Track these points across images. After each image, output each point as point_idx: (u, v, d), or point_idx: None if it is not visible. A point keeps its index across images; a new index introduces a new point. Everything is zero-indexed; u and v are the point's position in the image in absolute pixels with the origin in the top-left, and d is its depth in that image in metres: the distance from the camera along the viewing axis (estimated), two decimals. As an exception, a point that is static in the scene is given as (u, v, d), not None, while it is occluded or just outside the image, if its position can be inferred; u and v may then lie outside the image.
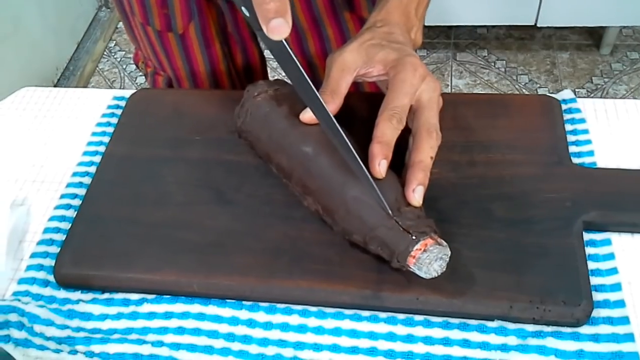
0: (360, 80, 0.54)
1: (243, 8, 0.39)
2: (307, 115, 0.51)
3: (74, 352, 0.47)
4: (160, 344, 0.48)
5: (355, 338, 0.47)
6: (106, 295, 0.51)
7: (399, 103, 0.49)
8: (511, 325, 0.46)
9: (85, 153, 0.62)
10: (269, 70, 0.92)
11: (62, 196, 0.59)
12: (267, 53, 0.86)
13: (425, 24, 1.87)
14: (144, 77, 0.86)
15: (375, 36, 0.53)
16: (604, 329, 0.45)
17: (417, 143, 0.48)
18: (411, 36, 0.56)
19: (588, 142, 0.57)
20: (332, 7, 0.73)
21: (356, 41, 0.53)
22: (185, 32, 0.75)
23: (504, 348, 0.45)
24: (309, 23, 0.74)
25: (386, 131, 0.48)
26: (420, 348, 0.46)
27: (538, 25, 1.78)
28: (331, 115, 0.45)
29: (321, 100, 0.45)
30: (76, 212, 0.56)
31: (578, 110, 0.60)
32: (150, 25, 0.75)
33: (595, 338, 0.45)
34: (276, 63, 0.44)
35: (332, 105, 0.50)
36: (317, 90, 0.46)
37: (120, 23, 2.17)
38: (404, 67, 0.50)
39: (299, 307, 0.49)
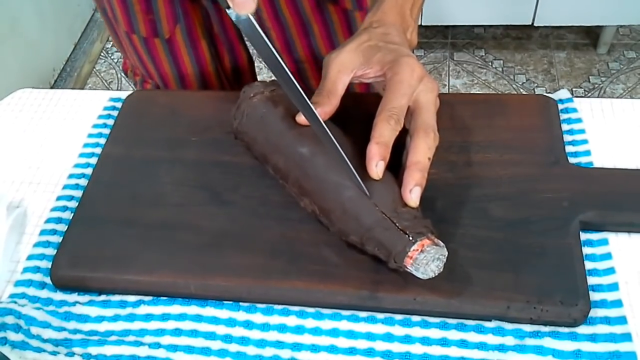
0: (357, 82, 0.54)
1: None
2: (304, 117, 0.51)
3: (70, 354, 0.47)
4: (158, 345, 0.48)
5: (353, 339, 0.47)
6: (103, 297, 0.51)
7: (397, 104, 0.49)
8: (509, 326, 0.46)
9: (82, 155, 0.62)
10: (257, 70, 0.92)
11: (59, 198, 0.59)
12: (255, 53, 0.87)
13: (423, 24, 1.86)
14: (133, 85, 0.86)
15: (372, 37, 0.53)
16: (602, 329, 0.45)
17: (414, 143, 0.48)
18: (407, 36, 0.56)
19: (585, 141, 0.57)
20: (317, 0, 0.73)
21: (353, 42, 0.53)
22: (171, 36, 0.75)
23: (502, 348, 0.45)
24: (293, 18, 0.74)
25: (384, 132, 0.48)
26: (417, 349, 0.46)
27: (535, 24, 1.79)
28: (312, 106, 0.46)
29: (303, 94, 0.46)
30: (72, 214, 0.56)
31: (574, 110, 0.60)
32: (135, 33, 0.74)
33: (593, 338, 0.45)
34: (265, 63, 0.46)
35: (329, 106, 0.50)
36: (308, 89, 0.47)
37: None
38: (402, 68, 0.50)
39: (296, 308, 0.49)
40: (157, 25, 0.73)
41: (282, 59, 0.44)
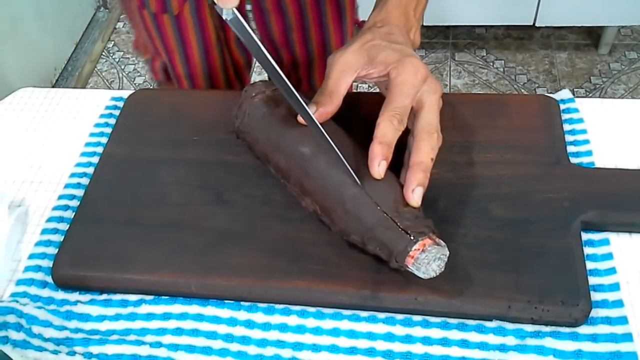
0: (360, 82, 0.54)
1: None
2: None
3: (72, 353, 0.47)
4: (159, 345, 0.48)
5: (354, 338, 0.47)
6: (104, 297, 0.51)
7: (400, 104, 0.49)
8: (510, 326, 0.46)
9: (83, 154, 0.62)
10: (259, 70, 0.93)
11: (60, 197, 0.59)
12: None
13: (424, 24, 1.86)
14: (145, 66, 0.87)
15: (375, 37, 0.53)
16: (602, 329, 0.45)
17: (417, 144, 0.48)
18: (410, 37, 0.56)
19: (586, 142, 0.57)
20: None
21: (357, 42, 0.53)
22: (180, 13, 0.75)
23: (503, 348, 0.45)
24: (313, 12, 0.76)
25: (387, 132, 0.48)
26: (418, 348, 0.46)
27: (536, 25, 1.79)
28: (304, 104, 0.47)
29: (296, 93, 0.46)
30: (74, 213, 0.56)
31: (576, 110, 0.60)
32: (145, 8, 0.75)
33: (594, 338, 0.45)
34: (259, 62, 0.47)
35: (331, 106, 0.50)
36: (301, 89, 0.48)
37: (119, 24, 2.18)
38: (405, 68, 0.50)
39: (298, 308, 0.49)
40: (166, 1, 0.73)
41: (272, 57, 0.45)
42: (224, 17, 0.42)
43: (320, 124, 0.48)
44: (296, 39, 0.80)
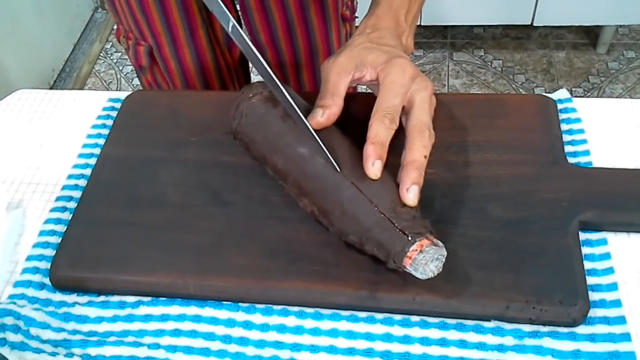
0: (355, 85, 0.54)
1: None
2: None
3: (70, 355, 0.47)
4: (157, 346, 0.48)
5: (352, 339, 0.47)
6: (102, 298, 0.51)
7: (391, 103, 0.49)
8: (508, 326, 0.46)
9: (81, 155, 0.62)
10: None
11: (58, 198, 0.58)
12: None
13: (422, 24, 1.86)
14: (126, 52, 0.87)
15: (365, 40, 0.54)
16: (601, 329, 0.45)
17: (409, 143, 0.49)
18: (402, 41, 0.57)
19: (584, 141, 0.57)
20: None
21: (349, 47, 0.54)
22: None
23: (501, 348, 0.45)
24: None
25: (379, 132, 0.48)
26: (417, 349, 0.46)
27: (534, 24, 1.79)
28: (293, 103, 0.47)
29: (285, 92, 0.47)
30: (72, 215, 0.56)
31: (574, 110, 0.60)
32: None
33: (592, 338, 0.45)
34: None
35: (335, 107, 0.51)
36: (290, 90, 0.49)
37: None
38: (393, 68, 0.51)
39: (296, 309, 0.49)
40: None
41: (267, 61, 0.45)
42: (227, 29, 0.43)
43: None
44: (282, 37, 0.80)
